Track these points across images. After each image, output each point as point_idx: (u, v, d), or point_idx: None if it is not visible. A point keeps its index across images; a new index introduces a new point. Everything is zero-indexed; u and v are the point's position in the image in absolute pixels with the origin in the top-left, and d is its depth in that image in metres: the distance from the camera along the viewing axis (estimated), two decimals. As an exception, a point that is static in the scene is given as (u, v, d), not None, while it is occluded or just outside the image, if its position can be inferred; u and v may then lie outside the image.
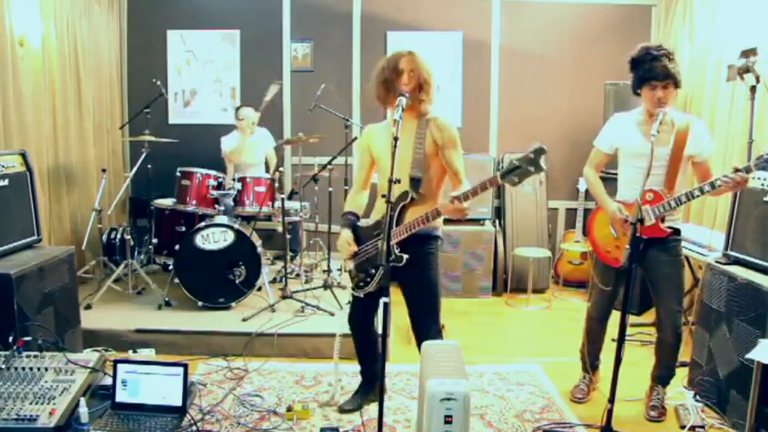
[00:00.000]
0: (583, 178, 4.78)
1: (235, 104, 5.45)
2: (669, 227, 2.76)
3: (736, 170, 2.46)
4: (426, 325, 2.67)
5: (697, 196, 2.60)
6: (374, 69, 2.67)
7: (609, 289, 2.95)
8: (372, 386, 2.98)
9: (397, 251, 2.53)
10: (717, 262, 3.03)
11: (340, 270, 4.79)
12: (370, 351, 2.95)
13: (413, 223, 2.52)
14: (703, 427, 2.78)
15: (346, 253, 2.74)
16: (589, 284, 3.07)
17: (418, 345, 2.58)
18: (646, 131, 2.68)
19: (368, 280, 2.67)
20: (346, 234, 2.72)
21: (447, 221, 2.73)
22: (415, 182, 2.58)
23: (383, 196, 2.24)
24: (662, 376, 2.95)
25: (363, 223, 2.79)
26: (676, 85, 2.65)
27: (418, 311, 2.70)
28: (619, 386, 2.53)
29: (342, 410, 2.93)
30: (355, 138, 4.89)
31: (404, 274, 2.60)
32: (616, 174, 2.99)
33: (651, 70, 2.62)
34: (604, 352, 3.18)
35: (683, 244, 3.69)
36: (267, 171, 5.00)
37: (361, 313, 2.86)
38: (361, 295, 2.72)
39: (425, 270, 2.64)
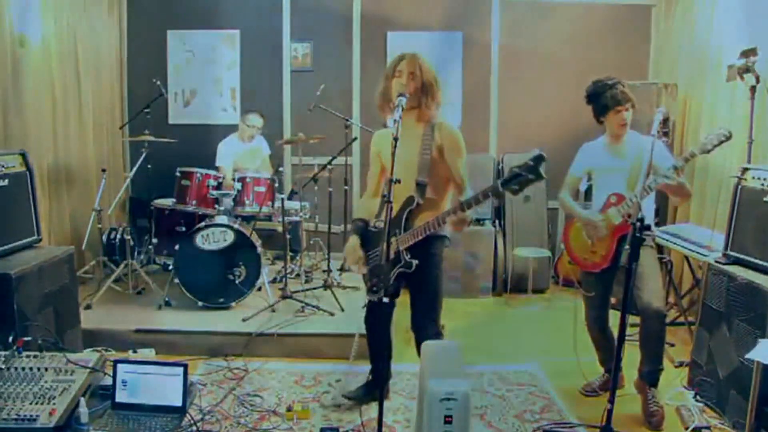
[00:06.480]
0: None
1: (235, 104, 5.47)
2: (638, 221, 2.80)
3: (675, 168, 2.67)
4: (424, 325, 2.66)
5: (651, 189, 2.75)
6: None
7: (593, 294, 3.08)
8: (379, 385, 2.98)
9: (407, 257, 2.56)
10: (717, 262, 3.03)
11: (340, 270, 4.79)
12: (383, 351, 2.96)
13: (418, 230, 2.54)
14: (708, 428, 2.76)
15: (352, 259, 2.73)
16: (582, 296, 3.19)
17: (417, 345, 2.58)
18: (614, 150, 3.00)
19: (381, 284, 2.66)
20: (354, 241, 2.74)
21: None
22: (420, 187, 2.58)
23: (383, 196, 2.24)
24: (651, 371, 2.87)
25: (374, 226, 2.79)
26: (633, 106, 2.93)
27: (417, 311, 2.70)
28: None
29: (345, 397, 2.97)
30: (355, 138, 4.90)
31: (411, 275, 2.62)
32: None
33: (614, 97, 2.88)
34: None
35: (683, 243, 3.75)
36: None
37: (378, 316, 2.87)
38: (375, 299, 2.72)
39: (429, 271, 2.64)
